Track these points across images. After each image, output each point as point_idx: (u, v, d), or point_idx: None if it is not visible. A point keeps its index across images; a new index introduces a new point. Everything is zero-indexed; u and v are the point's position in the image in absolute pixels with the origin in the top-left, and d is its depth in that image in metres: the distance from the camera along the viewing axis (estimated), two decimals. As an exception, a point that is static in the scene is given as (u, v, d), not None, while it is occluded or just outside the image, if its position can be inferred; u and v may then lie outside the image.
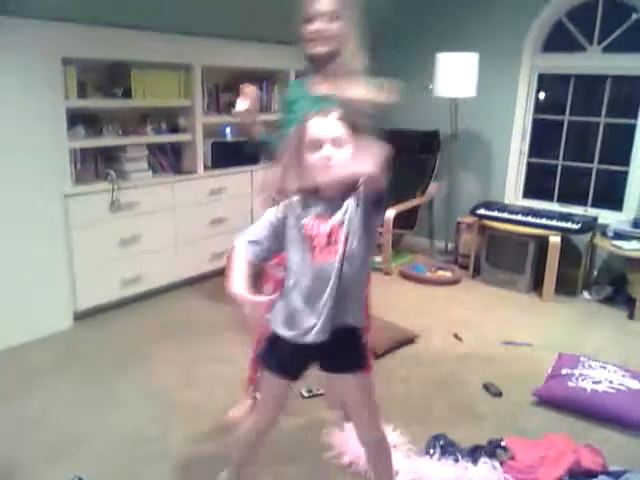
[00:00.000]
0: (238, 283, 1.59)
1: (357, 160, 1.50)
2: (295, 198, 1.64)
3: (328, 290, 1.59)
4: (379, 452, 1.87)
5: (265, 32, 4.11)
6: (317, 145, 1.55)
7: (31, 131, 3.19)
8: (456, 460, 2.29)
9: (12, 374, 2.98)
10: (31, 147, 3.20)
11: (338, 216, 1.58)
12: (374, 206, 1.57)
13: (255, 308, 1.55)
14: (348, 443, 2.32)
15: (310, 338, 1.62)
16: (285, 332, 1.66)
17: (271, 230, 1.65)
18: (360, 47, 2.11)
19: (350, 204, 1.59)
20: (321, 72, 2.13)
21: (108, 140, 3.70)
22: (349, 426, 2.39)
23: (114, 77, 3.72)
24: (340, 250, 1.57)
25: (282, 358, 1.73)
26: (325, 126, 1.56)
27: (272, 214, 1.66)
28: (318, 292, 1.60)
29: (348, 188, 1.59)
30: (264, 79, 4.50)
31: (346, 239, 1.58)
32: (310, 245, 1.60)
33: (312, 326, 1.61)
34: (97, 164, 3.70)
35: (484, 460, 2.26)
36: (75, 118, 3.50)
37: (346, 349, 1.70)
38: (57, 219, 3.37)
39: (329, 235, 1.58)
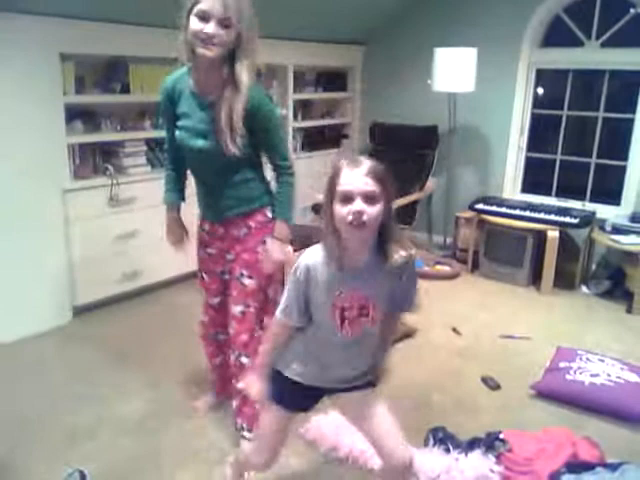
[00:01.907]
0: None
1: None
2: (319, 257, 1.54)
3: (354, 356, 1.62)
4: (407, 477, 1.77)
5: (261, 27, 4.09)
6: (347, 198, 1.45)
7: (29, 126, 3.19)
8: (447, 450, 2.30)
9: (11, 369, 2.99)
10: (30, 142, 3.20)
11: (369, 285, 1.54)
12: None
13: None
14: (338, 436, 2.36)
15: (331, 385, 1.68)
16: (304, 379, 1.67)
17: (301, 296, 1.58)
18: (252, 63, 1.97)
19: (385, 280, 1.56)
20: (203, 75, 2.01)
21: (106, 135, 3.70)
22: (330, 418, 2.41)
23: (112, 72, 3.72)
24: (371, 320, 1.57)
25: (297, 397, 1.72)
26: (356, 178, 1.45)
27: (295, 277, 1.57)
28: (342, 358, 1.63)
29: (376, 252, 1.54)
30: (261, 74, 4.49)
31: (375, 308, 1.56)
32: (340, 315, 1.55)
33: (334, 379, 1.67)
34: (95, 159, 3.71)
35: (477, 451, 2.27)
36: (73, 113, 3.50)
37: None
38: (56, 214, 3.38)
39: (361, 307, 1.55)
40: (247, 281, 2.15)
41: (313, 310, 1.59)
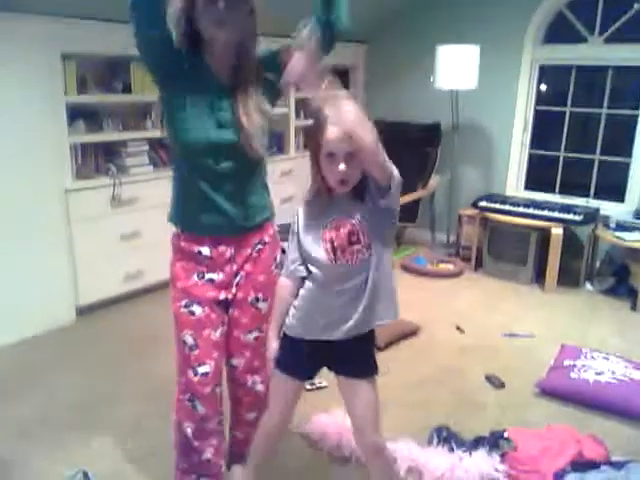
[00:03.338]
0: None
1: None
2: (306, 205, 1.67)
3: (361, 289, 1.60)
4: (381, 460, 1.80)
5: (262, 25, 4.09)
6: (331, 155, 1.53)
7: (31, 126, 3.18)
8: (451, 449, 2.30)
9: (15, 369, 2.99)
10: (32, 142, 3.20)
11: (357, 215, 1.59)
12: (385, 193, 1.55)
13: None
14: (341, 434, 2.35)
15: (338, 335, 1.64)
16: (305, 333, 1.68)
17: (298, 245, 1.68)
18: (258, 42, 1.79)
19: (368, 201, 1.59)
20: (216, 60, 1.75)
21: (108, 135, 3.70)
22: (333, 418, 2.42)
23: (114, 72, 3.72)
24: (363, 247, 1.58)
25: (297, 359, 1.74)
26: (338, 139, 1.50)
27: (291, 230, 1.69)
28: (348, 292, 1.61)
29: (361, 187, 1.59)
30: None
31: (368, 236, 1.59)
32: (331, 247, 1.60)
33: (342, 323, 1.63)
34: (98, 159, 3.70)
35: (482, 450, 2.27)
36: (75, 113, 3.49)
37: (361, 352, 1.71)
38: (58, 214, 3.37)
39: (350, 235, 1.58)
40: (262, 305, 1.89)
41: (306, 256, 1.65)
